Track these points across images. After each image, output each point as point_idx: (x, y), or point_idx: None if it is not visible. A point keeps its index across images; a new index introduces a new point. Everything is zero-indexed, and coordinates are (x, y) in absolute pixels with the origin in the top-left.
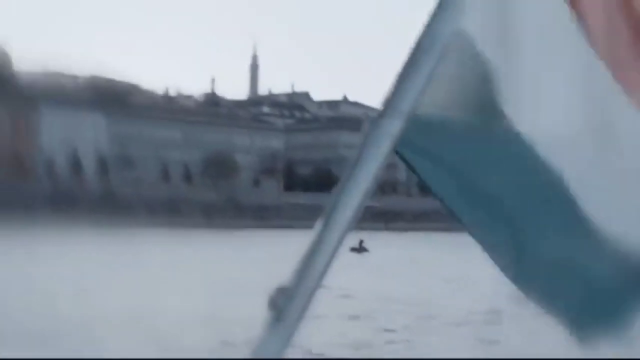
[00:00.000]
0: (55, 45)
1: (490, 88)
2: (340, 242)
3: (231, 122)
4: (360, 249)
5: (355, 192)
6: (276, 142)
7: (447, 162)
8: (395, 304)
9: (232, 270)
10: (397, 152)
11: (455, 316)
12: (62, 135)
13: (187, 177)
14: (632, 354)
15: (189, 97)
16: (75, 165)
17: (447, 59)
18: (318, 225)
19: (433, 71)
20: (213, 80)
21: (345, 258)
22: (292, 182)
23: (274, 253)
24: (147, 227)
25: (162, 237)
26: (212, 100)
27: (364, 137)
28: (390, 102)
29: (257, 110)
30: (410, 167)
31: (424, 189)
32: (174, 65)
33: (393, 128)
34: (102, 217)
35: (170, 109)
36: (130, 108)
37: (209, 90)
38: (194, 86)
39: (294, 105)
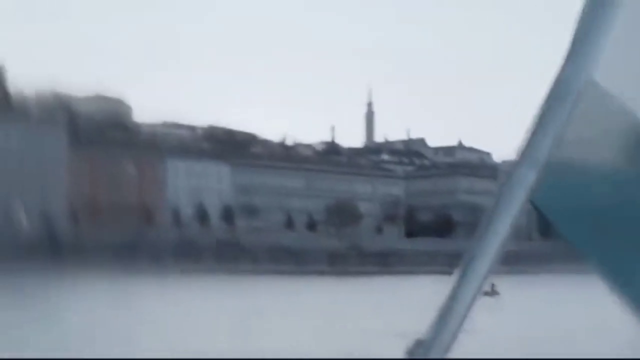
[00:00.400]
0: (173, 97)
1: (628, 137)
2: (479, 289)
3: (352, 170)
4: (492, 292)
5: (493, 241)
6: (396, 189)
7: (583, 209)
8: (540, 345)
9: (359, 315)
10: (529, 200)
11: (600, 354)
12: (187, 185)
13: (311, 224)
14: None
15: (308, 146)
16: (201, 214)
17: (581, 109)
18: (456, 273)
19: (567, 120)
20: (333, 129)
21: (480, 302)
22: (413, 228)
23: (398, 298)
24: (272, 275)
25: (287, 283)
26: (333, 149)
27: (500, 186)
28: (525, 151)
29: (377, 158)
30: (542, 214)
31: (545, 233)
32: (290, 115)
33: (528, 177)
34: (227, 264)
35: (292, 158)
36: (253, 157)
37: (325, 139)
38: (310, 135)
39: (412, 152)
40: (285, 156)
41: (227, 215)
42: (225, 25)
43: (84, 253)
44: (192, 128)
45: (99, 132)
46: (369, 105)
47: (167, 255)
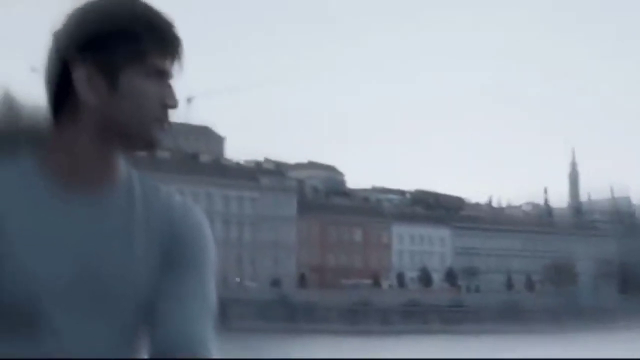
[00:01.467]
0: (380, 162)
1: None
2: None
3: (566, 230)
4: None
5: None
6: (610, 248)
7: None
8: None
9: None
10: None
11: None
12: (411, 249)
13: (529, 284)
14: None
15: (517, 208)
16: (425, 276)
17: None
18: None
19: None
20: (545, 190)
21: None
22: (627, 285)
23: (619, 354)
24: (495, 334)
25: (507, 342)
26: (543, 209)
27: None
28: None
29: (587, 217)
30: None
31: None
32: (492, 176)
33: None
34: (452, 325)
35: (503, 220)
36: (465, 220)
37: (529, 199)
38: (513, 195)
39: (622, 212)
40: (495, 218)
41: (450, 277)
42: (426, 90)
43: (315, 315)
44: (401, 192)
45: (322, 198)
46: (573, 165)
47: (394, 317)
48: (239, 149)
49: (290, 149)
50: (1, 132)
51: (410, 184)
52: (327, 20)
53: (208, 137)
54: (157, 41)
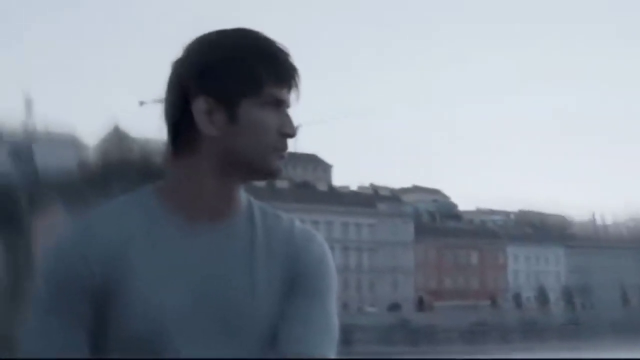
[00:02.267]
0: (481, 183)
1: None
2: None
3: None
4: None
5: None
6: None
7: None
8: None
9: None
10: None
11: None
12: (527, 269)
13: None
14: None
15: (622, 224)
16: (541, 295)
17: None
18: None
19: None
20: None
21: None
22: None
23: None
24: (610, 349)
25: (624, 355)
26: None
27: None
28: None
29: None
30: None
31: None
32: (593, 193)
33: None
34: (568, 342)
35: (615, 237)
36: (577, 239)
37: (631, 214)
38: (614, 211)
39: None
40: (603, 235)
41: (566, 295)
42: (519, 109)
43: (434, 336)
44: (506, 213)
45: (436, 222)
46: None
47: (513, 336)
48: (342, 175)
49: (390, 174)
50: (113, 164)
51: (511, 204)
52: (426, 48)
53: (316, 165)
54: (274, 71)
